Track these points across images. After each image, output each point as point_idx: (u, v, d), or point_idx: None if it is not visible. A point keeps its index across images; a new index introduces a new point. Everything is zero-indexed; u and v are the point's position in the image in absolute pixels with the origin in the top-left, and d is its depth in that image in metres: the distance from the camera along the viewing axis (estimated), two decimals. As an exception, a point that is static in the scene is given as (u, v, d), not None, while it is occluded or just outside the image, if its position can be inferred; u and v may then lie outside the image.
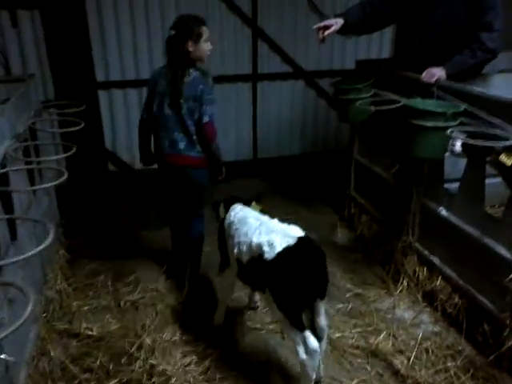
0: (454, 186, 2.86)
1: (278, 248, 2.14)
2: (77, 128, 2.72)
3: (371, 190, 3.76)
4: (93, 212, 4.33)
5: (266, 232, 2.25)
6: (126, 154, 4.90)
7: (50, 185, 2.28)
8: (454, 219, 2.79)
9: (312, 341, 2.13)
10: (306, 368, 2.16)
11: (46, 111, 3.33)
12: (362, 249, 3.74)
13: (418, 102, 2.62)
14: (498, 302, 2.49)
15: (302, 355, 2.15)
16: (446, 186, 2.93)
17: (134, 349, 2.64)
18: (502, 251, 2.42)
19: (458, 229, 2.74)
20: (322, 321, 2.21)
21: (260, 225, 2.34)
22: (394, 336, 2.78)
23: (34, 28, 4.21)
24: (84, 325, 2.85)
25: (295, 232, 2.21)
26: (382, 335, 2.77)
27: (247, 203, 2.70)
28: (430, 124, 2.41)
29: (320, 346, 2.16)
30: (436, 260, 2.99)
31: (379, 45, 5.09)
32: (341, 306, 3.07)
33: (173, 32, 2.77)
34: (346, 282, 3.32)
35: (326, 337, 2.28)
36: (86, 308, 3.03)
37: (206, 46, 2.81)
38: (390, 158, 3.36)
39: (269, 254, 2.16)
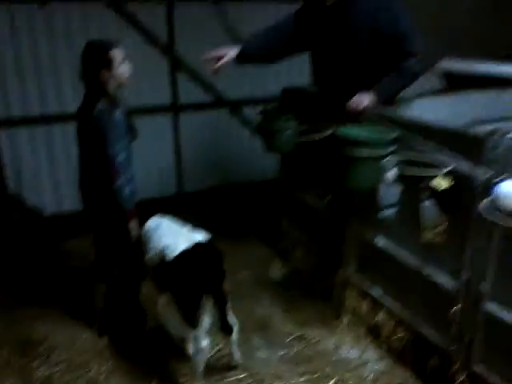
0: (388, 212, 2.75)
1: (177, 251, 2.36)
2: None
3: (305, 221, 3.59)
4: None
5: (172, 237, 2.47)
6: (34, 200, 4.35)
7: None
8: (392, 249, 2.67)
9: (201, 340, 2.35)
10: (195, 362, 2.41)
11: None
12: (299, 284, 3.52)
13: (351, 130, 2.49)
14: (443, 333, 2.37)
15: (192, 350, 2.42)
16: (381, 213, 2.83)
17: None
18: (443, 280, 2.32)
19: (396, 259, 2.63)
20: (206, 318, 2.39)
21: (169, 231, 2.55)
22: (342, 381, 2.58)
23: None
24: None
25: (197, 237, 2.46)
26: (331, 382, 2.56)
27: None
28: (363, 154, 2.27)
29: (231, 337, 2.53)
30: (377, 292, 2.85)
31: (298, 71, 5.06)
32: (283, 352, 2.82)
33: (82, 63, 2.55)
34: (285, 324, 3.09)
35: (235, 328, 2.54)
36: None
37: (122, 69, 2.56)
38: (321, 187, 3.22)
39: (168, 256, 2.38)
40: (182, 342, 2.67)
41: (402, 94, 3.00)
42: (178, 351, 2.73)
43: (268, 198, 4.18)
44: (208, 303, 2.36)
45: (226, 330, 2.50)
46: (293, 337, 2.95)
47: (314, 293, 3.36)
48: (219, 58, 2.88)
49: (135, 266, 2.78)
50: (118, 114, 2.54)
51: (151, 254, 2.54)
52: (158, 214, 2.77)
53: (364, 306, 2.95)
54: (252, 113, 4.51)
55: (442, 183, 2.40)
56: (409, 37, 2.68)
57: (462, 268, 2.19)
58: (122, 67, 2.56)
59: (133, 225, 2.62)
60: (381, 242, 2.75)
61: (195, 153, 4.92)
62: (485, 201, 1.84)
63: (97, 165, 2.57)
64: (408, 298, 2.62)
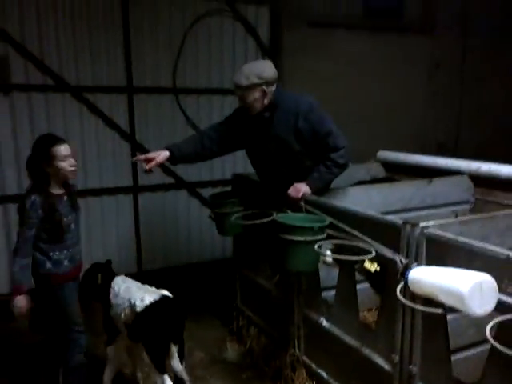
0: (332, 293, 2.90)
1: (146, 302, 2.65)
2: None
3: (257, 301, 3.68)
4: None
5: (140, 292, 2.75)
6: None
7: None
8: (334, 330, 2.78)
9: (168, 381, 2.63)
10: None
11: None
12: (252, 365, 3.54)
13: (287, 217, 2.70)
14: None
15: None
16: (324, 294, 2.97)
17: None
18: (380, 361, 2.42)
19: (339, 340, 2.72)
20: (176, 363, 2.69)
21: (137, 288, 2.82)
22: None
23: None
24: None
25: (162, 292, 2.79)
26: None
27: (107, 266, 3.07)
28: (299, 238, 2.46)
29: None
30: (324, 373, 2.91)
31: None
32: None
33: (28, 155, 2.72)
34: (237, 408, 3.08)
35: (184, 374, 2.76)
36: None
37: (64, 164, 2.68)
38: (270, 268, 3.37)
39: (139, 307, 2.65)
40: None
41: (344, 182, 3.31)
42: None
43: (224, 277, 4.26)
44: (175, 350, 2.67)
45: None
46: (242, 421, 2.94)
47: (266, 374, 3.37)
48: (150, 160, 3.07)
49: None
50: (29, 204, 2.62)
51: (119, 307, 2.77)
52: (122, 275, 3.02)
53: (312, 387, 2.99)
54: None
55: (371, 266, 2.61)
56: (331, 135, 2.96)
57: (393, 350, 2.31)
58: (64, 163, 2.68)
59: (16, 302, 2.62)
60: (324, 322, 2.86)
61: (154, 232, 5.04)
62: (399, 285, 2.02)
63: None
64: (351, 379, 2.68)
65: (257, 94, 2.96)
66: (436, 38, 6.22)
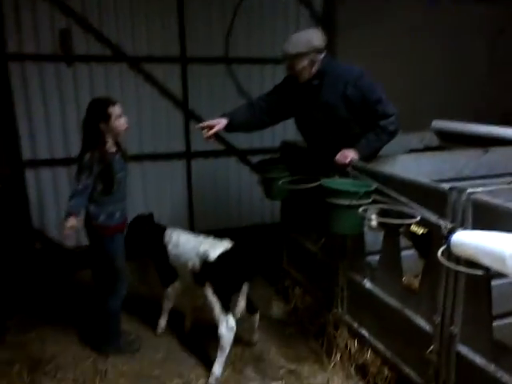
0: (377, 258, 2.98)
1: (218, 252, 3.03)
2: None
3: (303, 263, 3.83)
4: (16, 294, 4.07)
5: (208, 244, 3.14)
6: (56, 232, 4.72)
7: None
8: (377, 292, 2.88)
9: (232, 321, 3.00)
10: (224, 340, 2.97)
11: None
12: (296, 322, 3.73)
13: (334, 182, 2.79)
14: (423, 374, 2.53)
15: (224, 331, 2.97)
16: (370, 258, 3.06)
17: None
18: (421, 323, 2.51)
19: (381, 301, 2.83)
20: (242, 301, 3.11)
21: (200, 241, 3.22)
22: (328, 416, 2.73)
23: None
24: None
25: (228, 242, 3.15)
26: (317, 416, 2.73)
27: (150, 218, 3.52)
28: (344, 202, 2.55)
29: (255, 317, 3.34)
30: (365, 332, 3.03)
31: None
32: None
33: (85, 116, 2.97)
34: (279, 358, 3.28)
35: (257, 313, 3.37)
36: (-3, 403, 2.76)
37: (118, 123, 2.96)
38: (316, 232, 3.48)
39: (212, 257, 3.01)
40: None
41: (395, 151, 3.33)
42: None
43: (272, 241, 4.41)
44: (244, 290, 3.10)
45: (251, 311, 3.30)
46: (285, 370, 3.14)
47: (309, 331, 3.55)
48: (211, 127, 3.24)
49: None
50: (86, 159, 2.90)
51: (183, 257, 3.19)
52: (170, 227, 3.44)
53: (354, 346, 3.12)
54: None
55: (418, 229, 2.66)
56: (380, 102, 3.00)
57: (434, 312, 2.39)
58: (118, 121, 2.97)
59: (68, 223, 2.88)
60: (367, 284, 2.97)
61: (206, 196, 5.26)
62: (442, 248, 2.07)
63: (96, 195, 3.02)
64: (392, 339, 2.80)
65: (305, 63, 3.02)
66: (498, 3, 5.90)
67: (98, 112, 2.92)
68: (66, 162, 4.64)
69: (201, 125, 3.35)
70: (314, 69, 3.06)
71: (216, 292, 3.00)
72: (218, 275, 3.01)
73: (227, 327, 2.97)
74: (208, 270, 3.03)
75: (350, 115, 3.07)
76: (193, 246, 3.19)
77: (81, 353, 3.30)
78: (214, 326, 3.03)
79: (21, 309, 3.87)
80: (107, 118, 2.91)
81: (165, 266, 3.37)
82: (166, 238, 3.36)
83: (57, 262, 4.65)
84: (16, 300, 4.00)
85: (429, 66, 5.59)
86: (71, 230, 2.89)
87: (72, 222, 2.88)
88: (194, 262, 3.12)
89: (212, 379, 2.98)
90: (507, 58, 6.05)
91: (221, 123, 3.26)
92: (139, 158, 4.83)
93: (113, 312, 3.23)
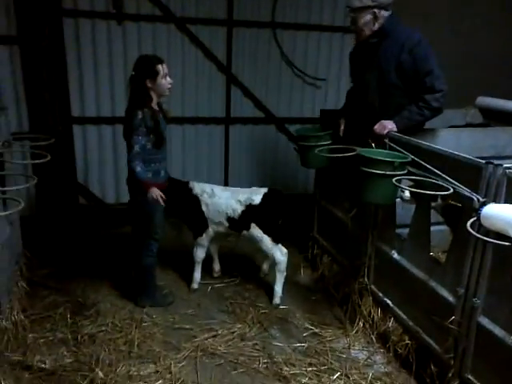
0: (407, 231, 3.02)
1: (260, 196, 3.48)
2: (42, 160, 2.80)
3: (332, 232, 3.91)
4: (59, 244, 4.35)
5: (247, 192, 3.56)
6: (98, 188, 4.98)
7: (6, 213, 2.33)
8: (404, 263, 2.93)
9: (283, 248, 3.55)
10: (282, 264, 3.54)
11: (16, 143, 3.41)
12: (322, 289, 3.85)
13: (370, 151, 2.81)
14: (442, 343, 2.59)
15: (280, 257, 3.52)
16: (400, 231, 3.09)
17: (85, 383, 2.63)
18: (445, 294, 2.55)
19: (407, 272, 2.88)
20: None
21: (236, 190, 3.62)
22: (346, 376, 2.84)
23: (12, 62, 4.34)
24: (37, 357, 2.84)
25: (263, 188, 3.58)
26: (335, 375, 2.84)
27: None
28: (378, 171, 2.58)
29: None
30: (389, 301, 3.10)
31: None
32: (298, 344, 3.14)
33: (132, 72, 3.04)
34: (304, 322, 3.40)
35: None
36: (41, 340, 3.02)
37: (164, 81, 3.05)
38: (348, 202, 3.53)
39: (256, 200, 3.47)
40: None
41: (437, 126, 3.31)
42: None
43: (304, 210, 4.49)
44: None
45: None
46: (308, 333, 3.26)
47: (334, 298, 3.66)
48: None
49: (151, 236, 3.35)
50: (139, 116, 2.98)
51: (234, 207, 3.50)
52: (191, 182, 3.66)
53: (377, 314, 3.20)
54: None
55: (456, 203, 2.66)
56: (431, 74, 2.97)
57: (459, 283, 2.43)
58: (164, 80, 3.05)
59: (153, 192, 3.06)
60: (395, 255, 3.02)
61: (242, 161, 5.37)
62: (471, 220, 2.09)
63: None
64: (414, 309, 2.86)
65: (368, 17, 3.06)
66: None
67: (145, 68, 3.01)
68: (111, 120, 4.81)
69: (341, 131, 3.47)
70: (377, 25, 3.08)
71: (264, 229, 3.48)
72: (264, 215, 3.48)
73: (281, 253, 3.52)
74: (254, 213, 3.47)
75: (400, 83, 3.07)
76: (230, 195, 3.54)
77: (119, 302, 3.52)
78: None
79: (63, 259, 4.14)
80: (154, 75, 2.99)
81: (197, 216, 3.57)
82: (196, 190, 3.57)
83: (99, 216, 4.90)
84: (59, 250, 4.27)
85: (482, 39, 5.36)
86: (160, 194, 3.07)
87: (156, 190, 3.07)
88: (235, 209, 3.49)
89: (277, 298, 3.57)
90: None
91: (343, 122, 3.46)
92: (180, 120, 4.95)
93: (148, 267, 3.41)
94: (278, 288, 3.58)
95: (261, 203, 3.47)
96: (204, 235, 3.64)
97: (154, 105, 3.12)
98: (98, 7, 4.47)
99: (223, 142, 5.25)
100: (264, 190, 3.55)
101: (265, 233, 3.49)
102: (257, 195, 3.49)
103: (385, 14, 3.06)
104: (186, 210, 3.60)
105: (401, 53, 3.00)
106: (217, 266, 3.96)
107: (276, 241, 3.52)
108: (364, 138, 3.07)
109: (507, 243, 1.88)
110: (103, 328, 3.19)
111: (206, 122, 5.12)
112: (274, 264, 3.61)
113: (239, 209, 3.49)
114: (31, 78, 4.41)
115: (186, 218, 3.70)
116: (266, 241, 3.50)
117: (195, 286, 3.76)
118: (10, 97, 4.38)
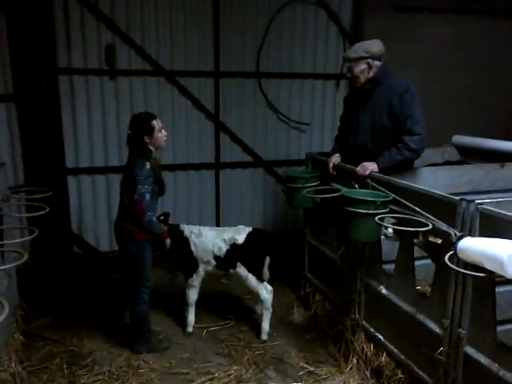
0: (393, 267, 3.14)
1: (244, 235, 3.61)
2: (41, 213, 2.91)
3: (323, 270, 4.01)
4: (55, 294, 4.39)
5: (231, 231, 3.70)
6: (92, 237, 5.06)
7: (6, 267, 2.41)
8: (392, 297, 3.03)
9: (268, 286, 3.68)
10: (268, 302, 3.66)
11: (14, 196, 3.53)
12: (316, 327, 3.91)
13: (353, 192, 2.98)
14: (433, 375, 2.66)
15: (265, 295, 3.65)
16: (387, 266, 3.21)
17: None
18: (432, 326, 2.65)
19: (396, 306, 2.97)
20: (267, 271, 3.73)
21: (222, 230, 3.80)
22: (344, 414, 2.89)
23: (9, 119, 4.52)
24: (37, 408, 2.84)
25: (247, 227, 3.72)
26: (334, 414, 2.88)
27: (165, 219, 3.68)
28: (362, 210, 2.74)
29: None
30: (380, 336, 3.17)
31: (331, 137, 5.63)
32: (294, 384, 3.18)
33: (129, 131, 3.24)
34: (299, 361, 3.45)
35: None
36: (39, 392, 3.03)
37: (160, 135, 3.26)
38: (336, 240, 3.66)
39: (240, 240, 3.60)
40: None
41: (417, 164, 3.52)
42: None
43: (294, 248, 4.60)
44: (267, 262, 3.71)
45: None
46: (304, 372, 3.31)
47: (328, 336, 3.72)
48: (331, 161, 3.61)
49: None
50: (148, 166, 3.17)
51: (219, 246, 3.63)
52: (181, 224, 3.80)
53: (369, 349, 3.26)
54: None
55: (437, 240, 2.81)
56: (411, 118, 3.23)
57: (444, 315, 2.53)
58: (160, 133, 3.27)
59: (168, 240, 3.45)
60: (383, 290, 3.12)
61: (232, 204, 5.52)
62: (449, 253, 2.23)
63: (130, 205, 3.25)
64: (405, 342, 2.93)
65: (362, 66, 3.37)
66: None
67: (141, 126, 3.21)
68: (104, 170, 4.98)
69: (330, 166, 3.61)
70: (371, 73, 3.38)
71: (249, 268, 3.61)
72: (248, 254, 3.62)
73: (267, 291, 3.65)
74: (238, 252, 3.60)
75: (390, 124, 3.34)
76: (216, 235, 3.69)
77: (115, 350, 3.55)
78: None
79: (59, 308, 4.17)
80: (151, 131, 3.20)
81: (187, 257, 3.68)
82: (186, 232, 3.71)
83: (93, 265, 4.96)
84: (54, 300, 4.31)
85: (456, 80, 5.69)
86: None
87: (169, 240, 3.46)
88: (221, 247, 3.62)
89: (264, 335, 3.72)
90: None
91: (338, 158, 3.62)
92: (172, 167, 5.12)
93: (141, 314, 3.46)
94: (265, 325, 3.71)
95: (244, 242, 3.61)
96: (194, 276, 3.73)
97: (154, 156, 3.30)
98: (92, 65, 4.72)
99: (214, 187, 5.41)
100: (248, 229, 3.69)
101: (249, 271, 3.62)
102: (240, 235, 3.63)
103: (377, 63, 3.38)
104: (177, 252, 3.69)
105: (392, 98, 3.29)
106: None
107: (260, 279, 3.65)
108: (348, 180, 3.25)
109: (482, 274, 2.01)
110: (100, 377, 3.21)
111: (197, 167, 5.30)
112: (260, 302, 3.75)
113: (224, 247, 3.63)
114: (27, 133, 4.59)
115: (177, 261, 3.80)
116: (251, 279, 3.63)
117: (190, 329, 3.80)
118: (6, 151, 4.54)
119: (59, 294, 4.42)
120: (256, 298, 3.88)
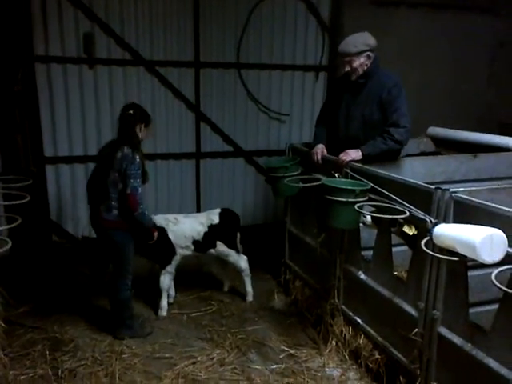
0: (371, 253, 3.26)
1: (217, 216, 3.96)
2: (23, 201, 2.90)
3: (303, 257, 4.12)
4: (35, 282, 4.37)
5: (204, 214, 4.06)
6: (71, 225, 5.04)
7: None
8: (370, 282, 3.16)
9: (244, 256, 4.10)
10: (247, 269, 4.11)
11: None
12: (296, 313, 4.02)
13: (333, 181, 3.08)
14: (408, 355, 2.80)
15: (245, 264, 4.09)
16: (366, 253, 3.34)
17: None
18: (408, 308, 2.79)
19: (374, 291, 3.10)
20: (239, 246, 4.13)
21: (195, 215, 4.17)
22: (322, 393, 3.01)
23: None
24: (20, 394, 2.86)
25: (216, 209, 4.08)
26: (313, 393, 3.00)
27: None
28: (341, 199, 2.84)
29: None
30: (359, 320, 3.31)
31: (310, 128, 5.74)
32: (275, 366, 3.28)
33: (131, 112, 3.25)
34: (280, 344, 3.55)
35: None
36: (22, 377, 3.05)
37: (149, 133, 3.40)
38: (316, 228, 3.77)
39: (216, 220, 3.95)
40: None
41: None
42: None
43: (275, 238, 4.70)
44: (239, 236, 4.11)
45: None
46: (285, 355, 3.41)
47: (308, 320, 3.84)
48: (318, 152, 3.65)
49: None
50: (138, 159, 3.21)
51: (198, 230, 3.89)
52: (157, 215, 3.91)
53: (348, 332, 3.39)
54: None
55: (409, 230, 2.95)
56: (398, 111, 3.35)
57: (419, 298, 2.67)
58: (150, 132, 3.44)
59: (156, 233, 3.52)
60: (362, 276, 3.25)
61: (213, 194, 5.58)
62: (425, 239, 2.36)
63: (112, 192, 3.28)
64: (382, 325, 3.07)
65: (362, 59, 3.44)
66: (501, 17, 6.15)
67: (142, 115, 3.31)
68: (83, 159, 4.95)
69: (315, 156, 3.65)
70: (366, 66, 3.45)
71: (227, 244, 3.97)
72: (224, 232, 3.96)
73: (244, 261, 4.07)
74: (216, 231, 3.92)
75: (381, 117, 3.44)
76: (193, 220, 3.94)
77: (97, 336, 3.58)
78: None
79: (38, 296, 4.17)
80: (148, 123, 3.34)
81: (164, 246, 3.79)
82: (161, 222, 3.81)
83: (71, 253, 4.95)
84: (33, 288, 4.29)
85: (431, 74, 5.85)
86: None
87: (156, 234, 3.53)
88: (199, 231, 3.89)
89: (249, 296, 4.18)
90: (507, 71, 6.30)
91: (323, 148, 3.67)
92: (153, 156, 5.13)
93: (124, 300, 3.50)
94: (249, 288, 4.17)
95: (220, 222, 3.93)
96: (173, 262, 3.87)
97: None
98: (70, 53, 4.67)
99: (194, 176, 5.45)
100: (218, 210, 4.05)
101: (229, 247, 3.96)
102: (214, 215, 3.96)
103: (373, 56, 3.47)
104: (153, 243, 3.66)
105: (382, 92, 3.40)
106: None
107: (237, 252, 4.05)
108: (328, 169, 3.34)
109: (456, 258, 2.14)
110: (83, 362, 3.25)
111: (178, 157, 5.33)
112: (240, 271, 4.13)
113: (202, 231, 3.88)
114: (4, 122, 4.52)
115: (152, 253, 3.81)
116: (232, 254, 4.01)
117: (164, 312, 3.91)
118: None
119: (38, 282, 4.41)
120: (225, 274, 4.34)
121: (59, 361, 3.25)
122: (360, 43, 3.42)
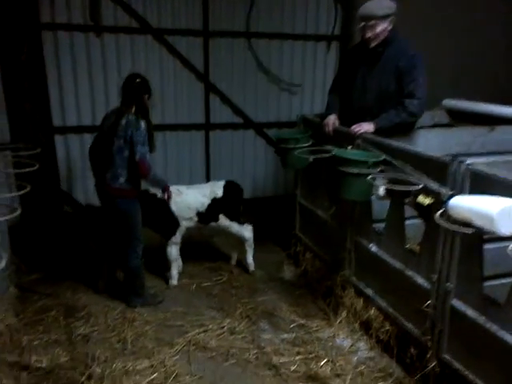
0: (383, 225, 3.24)
1: (221, 189, 3.93)
2: (31, 169, 2.87)
3: (314, 229, 4.11)
4: (46, 250, 4.41)
5: (208, 186, 4.03)
6: (82, 195, 5.05)
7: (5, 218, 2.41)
8: (382, 255, 3.14)
9: (248, 226, 4.11)
10: (251, 240, 4.11)
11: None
12: (306, 284, 4.04)
13: (345, 152, 3.03)
14: (420, 327, 2.81)
15: (248, 235, 4.09)
16: (377, 225, 3.31)
17: (83, 379, 2.74)
18: (421, 281, 2.78)
19: (385, 263, 3.09)
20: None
21: (199, 186, 4.07)
22: (332, 362, 3.03)
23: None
24: (34, 358, 2.93)
25: (221, 181, 4.04)
26: (322, 362, 3.02)
27: None
28: (353, 170, 2.80)
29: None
30: (370, 292, 3.31)
31: (322, 100, 5.63)
32: (285, 335, 3.31)
33: (138, 81, 3.24)
34: (290, 314, 3.58)
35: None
36: (36, 342, 3.11)
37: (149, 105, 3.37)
38: (327, 200, 3.74)
39: (219, 193, 3.91)
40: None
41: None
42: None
43: (285, 210, 4.70)
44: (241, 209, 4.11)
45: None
46: (295, 324, 3.44)
47: (318, 292, 3.85)
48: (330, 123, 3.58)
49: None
50: (143, 126, 3.20)
51: (202, 202, 3.87)
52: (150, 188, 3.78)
53: (359, 304, 3.40)
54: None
55: (425, 200, 2.89)
56: (414, 81, 3.25)
57: (432, 270, 2.65)
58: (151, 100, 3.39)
59: (170, 192, 3.60)
60: (373, 248, 3.23)
61: (222, 166, 5.53)
62: (440, 211, 2.32)
63: (118, 159, 3.27)
64: (394, 297, 3.07)
65: (386, 24, 3.31)
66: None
67: (146, 86, 3.29)
68: (92, 129, 4.88)
69: (327, 127, 3.59)
70: (387, 33, 3.32)
71: (230, 217, 3.96)
72: (228, 205, 3.95)
73: (248, 231, 4.08)
74: (219, 205, 3.90)
75: (396, 88, 3.33)
76: (197, 191, 3.91)
77: (110, 303, 3.63)
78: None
79: (50, 264, 4.21)
80: (151, 95, 3.32)
81: (168, 217, 3.78)
82: (161, 194, 3.68)
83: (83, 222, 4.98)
84: (45, 256, 4.33)
85: (448, 44, 5.66)
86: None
87: (171, 193, 3.61)
88: (203, 203, 3.86)
89: (251, 266, 4.17)
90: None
91: (335, 118, 3.58)
92: (161, 127, 5.07)
93: (135, 268, 3.53)
94: (250, 258, 4.16)
95: (223, 195, 3.90)
96: (177, 233, 3.86)
97: None
98: (76, 20, 4.57)
99: (204, 147, 5.41)
100: (222, 182, 4.00)
101: (232, 220, 3.96)
102: (218, 188, 3.93)
103: (394, 21, 3.34)
104: (155, 215, 3.73)
105: (401, 59, 3.28)
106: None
107: (241, 223, 4.04)
108: (341, 141, 3.29)
109: (470, 230, 2.10)
110: (96, 328, 3.30)
111: (187, 128, 5.27)
112: (243, 241, 4.13)
113: (206, 202, 3.86)
114: (12, 91, 4.46)
115: (156, 224, 3.83)
116: (235, 226, 4.01)
117: (175, 282, 3.96)
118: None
119: (50, 250, 4.44)
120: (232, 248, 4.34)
121: (72, 327, 3.31)
122: (385, 6, 3.29)
